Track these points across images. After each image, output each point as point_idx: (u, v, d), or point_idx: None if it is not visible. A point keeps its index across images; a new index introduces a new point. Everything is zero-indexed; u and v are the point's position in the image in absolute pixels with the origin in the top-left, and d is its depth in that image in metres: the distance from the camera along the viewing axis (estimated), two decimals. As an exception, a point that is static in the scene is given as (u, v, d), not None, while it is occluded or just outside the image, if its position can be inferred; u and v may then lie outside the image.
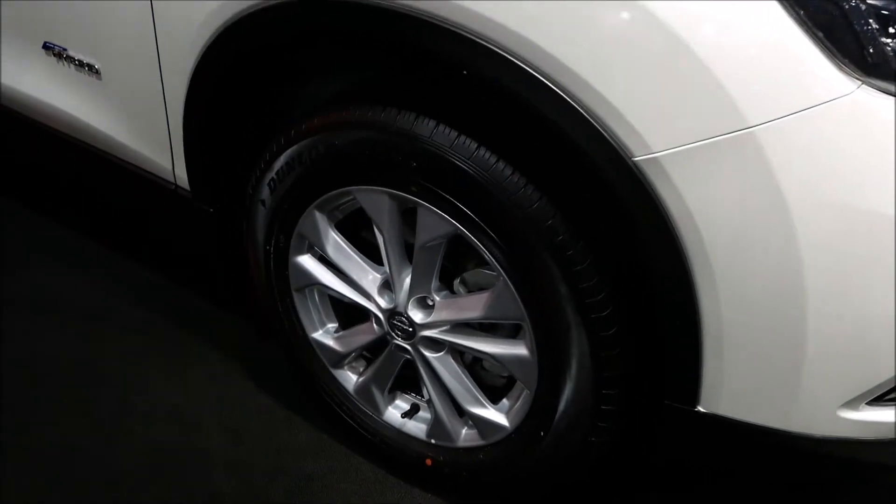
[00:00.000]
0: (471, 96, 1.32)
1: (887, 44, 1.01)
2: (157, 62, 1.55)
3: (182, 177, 1.70)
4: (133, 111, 1.69)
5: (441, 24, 1.19)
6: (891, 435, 1.24)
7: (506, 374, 1.57)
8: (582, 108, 1.12)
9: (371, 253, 1.56)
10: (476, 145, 1.28)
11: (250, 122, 1.63)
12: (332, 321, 1.71)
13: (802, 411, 1.23)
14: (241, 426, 1.82)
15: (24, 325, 2.07)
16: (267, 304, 1.72)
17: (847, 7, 1.00)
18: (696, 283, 1.17)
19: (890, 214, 1.04)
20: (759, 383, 1.22)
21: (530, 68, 1.14)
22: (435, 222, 1.38)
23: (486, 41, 1.16)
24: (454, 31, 1.19)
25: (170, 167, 1.70)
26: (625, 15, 1.06)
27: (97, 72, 1.69)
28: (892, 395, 1.21)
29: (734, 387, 1.24)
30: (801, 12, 1.01)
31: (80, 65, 1.71)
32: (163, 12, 1.49)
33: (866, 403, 1.21)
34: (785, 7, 1.01)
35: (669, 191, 1.11)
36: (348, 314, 1.70)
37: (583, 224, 1.27)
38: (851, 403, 1.20)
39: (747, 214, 1.10)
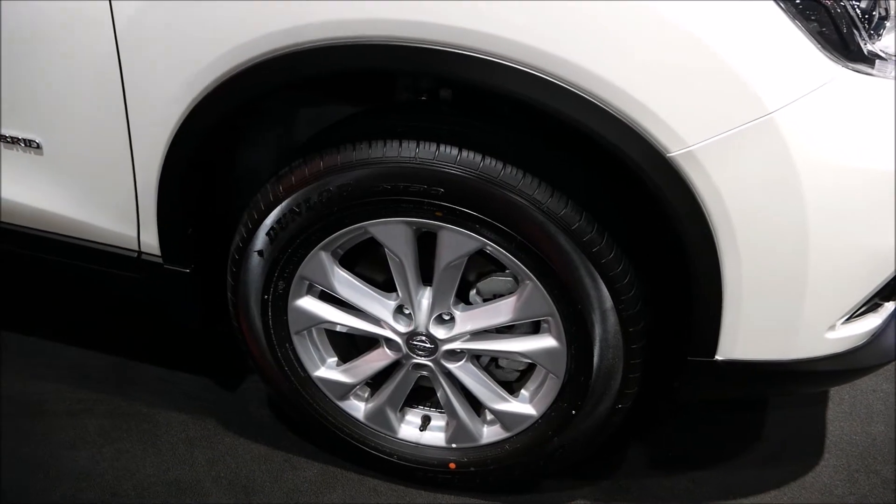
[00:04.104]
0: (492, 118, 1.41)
1: (860, 34, 1.25)
2: (125, 130, 1.47)
3: (149, 243, 1.62)
4: (87, 185, 1.58)
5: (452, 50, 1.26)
6: (857, 343, 1.53)
7: (520, 369, 1.69)
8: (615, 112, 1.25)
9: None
10: (502, 165, 1.38)
11: (235, 175, 1.59)
12: (331, 356, 1.73)
13: (801, 342, 1.47)
14: (245, 479, 1.78)
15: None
16: (261, 352, 1.70)
17: (828, 4, 1.23)
18: (720, 251, 1.36)
19: (879, 169, 1.29)
20: (767, 327, 1.45)
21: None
22: (460, 242, 1.45)
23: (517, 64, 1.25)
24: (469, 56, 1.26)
25: (134, 235, 1.62)
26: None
27: (37, 146, 1.56)
28: (857, 313, 1.49)
29: (746, 334, 1.46)
30: (793, 10, 1.22)
31: (13, 141, 1.57)
32: (136, 75, 1.42)
33: (841, 323, 1.48)
34: (780, 6, 1.21)
35: (701, 176, 1.29)
36: (345, 347, 1.74)
37: (609, 217, 1.42)
38: (832, 326, 1.47)
39: (766, 185, 1.30)
